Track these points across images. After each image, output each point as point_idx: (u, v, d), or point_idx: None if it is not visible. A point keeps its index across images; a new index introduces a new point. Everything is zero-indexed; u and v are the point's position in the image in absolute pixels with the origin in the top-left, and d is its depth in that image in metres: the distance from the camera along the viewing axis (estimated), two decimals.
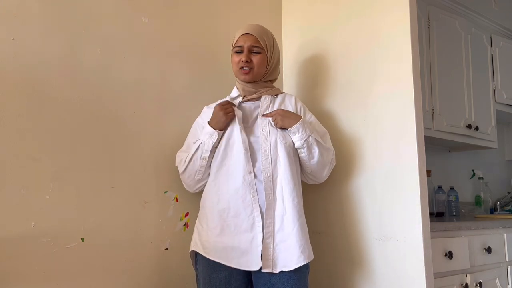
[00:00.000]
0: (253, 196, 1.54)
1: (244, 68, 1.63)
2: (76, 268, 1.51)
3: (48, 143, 1.49)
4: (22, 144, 1.44)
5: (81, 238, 1.53)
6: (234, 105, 1.63)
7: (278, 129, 1.60)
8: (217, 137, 1.58)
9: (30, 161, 1.45)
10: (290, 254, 1.51)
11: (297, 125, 1.58)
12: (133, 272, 1.63)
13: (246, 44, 1.63)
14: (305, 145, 1.59)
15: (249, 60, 1.63)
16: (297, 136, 1.59)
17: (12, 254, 1.39)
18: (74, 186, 1.53)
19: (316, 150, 1.61)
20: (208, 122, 1.62)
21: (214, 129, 1.59)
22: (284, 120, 1.59)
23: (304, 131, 1.59)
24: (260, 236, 1.51)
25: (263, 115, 1.63)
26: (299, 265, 1.50)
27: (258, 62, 1.64)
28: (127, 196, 1.64)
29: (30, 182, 1.44)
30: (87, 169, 1.56)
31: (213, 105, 1.72)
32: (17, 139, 1.44)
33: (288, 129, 1.59)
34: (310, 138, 1.60)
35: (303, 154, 1.61)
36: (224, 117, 1.58)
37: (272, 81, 1.75)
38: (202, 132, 1.63)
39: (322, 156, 1.62)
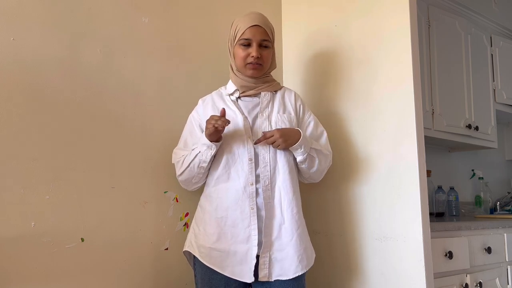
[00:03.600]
0: (252, 209, 1.50)
1: (254, 63, 1.55)
2: (76, 268, 1.51)
3: (48, 143, 1.49)
4: (22, 144, 1.44)
5: (81, 238, 1.53)
6: (228, 122, 1.46)
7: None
8: (216, 149, 1.50)
9: (30, 161, 1.45)
10: (287, 264, 1.50)
11: (299, 142, 1.52)
12: (133, 272, 1.63)
13: (256, 38, 1.54)
14: (306, 157, 1.56)
15: (259, 56, 1.55)
16: (299, 152, 1.54)
17: (12, 254, 1.39)
18: (74, 186, 1.53)
19: (316, 161, 1.59)
20: (205, 131, 1.51)
21: (211, 141, 1.49)
22: (287, 142, 1.50)
23: (305, 146, 1.54)
24: (255, 250, 1.49)
25: (256, 143, 1.52)
26: (296, 275, 1.49)
27: (267, 57, 1.58)
28: (127, 196, 1.64)
29: (30, 182, 1.44)
30: (87, 169, 1.56)
31: (207, 97, 1.67)
32: (17, 139, 1.44)
33: (290, 148, 1.54)
34: (311, 151, 1.56)
35: (304, 165, 1.58)
36: (215, 133, 1.46)
37: (270, 72, 1.68)
38: (199, 139, 1.55)
39: (321, 163, 1.61)
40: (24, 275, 1.41)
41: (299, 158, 1.55)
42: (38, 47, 1.50)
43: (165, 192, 1.74)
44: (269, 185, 1.52)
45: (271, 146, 1.54)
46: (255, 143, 1.53)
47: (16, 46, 1.46)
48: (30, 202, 1.44)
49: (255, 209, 1.50)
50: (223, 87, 1.69)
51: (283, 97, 1.66)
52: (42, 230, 1.45)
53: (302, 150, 1.53)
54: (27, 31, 1.49)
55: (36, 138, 1.47)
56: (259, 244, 1.50)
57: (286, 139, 1.50)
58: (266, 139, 1.51)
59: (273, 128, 1.56)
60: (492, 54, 2.84)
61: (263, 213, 1.50)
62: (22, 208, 1.42)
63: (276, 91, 1.66)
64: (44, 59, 1.51)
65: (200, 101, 1.68)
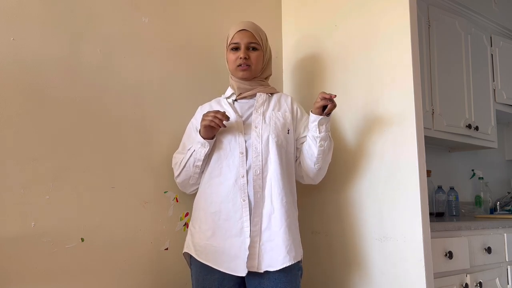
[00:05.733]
0: (244, 201, 1.52)
1: (242, 65, 1.61)
2: (76, 268, 1.51)
3: (48, 143, 1.49)
4: (22, 144, 1.44)
5: (81, 238, 1.53)
6: (227, 118, 1.52)
7: (271, 126, 1.58)
8: (209, 146, 1.55)
9: (30, 161, 1.45)
10: (276, 254, 1.50)
11: (329, 118, 1.58)
12: (133, 272, 1.63)
13: (243, 41, 1.62)
14: (327, 138, 1.59)
15: (247, 57, 1.61)
16: (324, 127, 1.57)
17: (12, 254, 1.39)
18: (74, 186, 1.53)
19: (332, 147, 1.63)
20: (199, 130, 1.58)
21: (204, 138, 1.54)
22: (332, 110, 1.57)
23: (328, 126, 1.59)
24: (247, 242, 1.50)
25: (325, 97, 1.54)
26: (284, 266, 1.48)
27: (256, 58, 1.63)
28: (127, 196, 1.64)
29: (30, 182, 1.44)
30: (87, 169, 1.56)
31: (206, 105, 1.72)
32: (17, 139, 1.44)
33: (321, 117, 1.56)
34: (329, 134, 1.61)
35: (324, 147, 1.59)
36: (210, 130, 1.53)
37: (267, 78, 1.74)
38: (194, 138, 1.60)
39: (330, 153, 1.65)
40: (24, 275, 1.41)
41: (322, 134, 1.57)
42: (38, 47, 1.50)
43: (165, 192, 1.74)
44: (260, 175, 1.54)
45: (263, 137, 1.56)
46: (324, 97, 1.54)
47: (16, 46, 1.46)
48: (30, 202, 1.44)
49: (247, 201, 1.52)
50: (222, 95, 1.73)
51: (279, 100, 1.70)
52: (42, 230, 1.45)
53: (326, 126, 1.58)
54: (27, 31, 1.49)
55: (36, 138, 1.47)
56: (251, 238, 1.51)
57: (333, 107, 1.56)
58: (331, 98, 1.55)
59: (267, 123, 1.59)
60: (492, 54, 2.84)
61: (253, 203, 1.52)
62: (22, 208, 1.42)
63: (272, 94, 1.71)
64: (44, 59, 1.51)
65: (198, 108, 1.73)
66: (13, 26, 1.46)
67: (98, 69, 1.62)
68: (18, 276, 1.40)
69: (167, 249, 1.72)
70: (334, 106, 1.56)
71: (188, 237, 1.61)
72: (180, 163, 1.62)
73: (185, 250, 1.61)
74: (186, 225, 1.77)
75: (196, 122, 1.67)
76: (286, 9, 2.21)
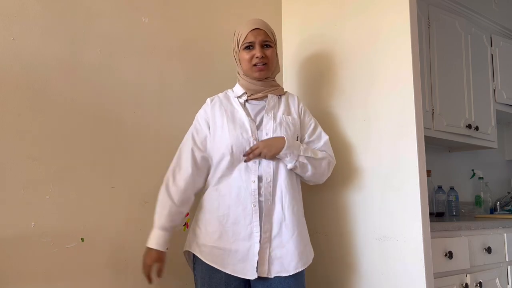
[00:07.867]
0: (254, 206, 1.52)
1: (259, 64, 1.58)
2: (76, 268, 1.51)
3: (48, 143, 1.49)
4: (22, 144, 1.44)
5: (81, 238, 1.53)
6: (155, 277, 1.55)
7: (282, 134, 1.56)
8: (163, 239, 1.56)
9: (30, 161, 1.45)
10: (288, 260, 1.50)
11: (284, 151, 1.52)
12: (133, 272, 1.63)
13: (257, 40, 1.58)
14: (297, 165, 1.56)
15: (264, 56, 1.58)
16: (287, 160, 1.55)
17: (12, 254, 1.40)
18: (74, 186, 1.53)
19: (309, 167, 1.58)
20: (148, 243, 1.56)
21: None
22: (271, 152, 1.51)
23: (292, 154, 1.54)
24: (257, 247, 1.50)
25: (245, 160, 1.52)
26: (297, 271, 1.50)
27: (272, 56, 1.60)
28: (127, 196, 1.64)
29: (30, 182, 1.44)
30: (87, 169, 1.56)
31: (215, 97, 1.67)
32: (17, 139, 1.44)
33: (278, 156, 1.55)
34: (301, 158, 1.56)
35: (297, 171, 1.58)
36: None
37: (275, 75, 1.71)
38: (202, 132, 1.60)
39: (316, 168, 1.60)
40: (24, 275, 1.41)
41: (288, 166, 1.56)
42: (38, 47, 1.51)
43: None
44: (271, 183, 1.53)
45: None
46: (245, 161, 1.53)
47: (16, 46, 1.46)
48: (30, 202, 1.44)
49: (257, 207, 1.52)
50: (229, 90, 1.69)
51: (287, 101, 1.69)
52: (42, 230, 1.45)
53: (289, 158, 1.54)
54: (27, 31, 1.49)
55: (36, 138, 1.47)
56: (260, 243, 1.51)
57: (270, 149, 1.52)
58: (252, 151, 1.52)
59: (278, 132, 1.57)
60: (492, 54, 2.83)
61: (263, 210, 1.52)
62: (22, 208, 1.42)
63: (280, 96, 1.69)
64: (44, 59, 1.51)
65: (208, 100, 1.67)
66: (13, 26, 1.46)
67: (98, 69, 1.63)
68: (18, 276, 1.40)
69: (167, 249, 1.72)
70: (256, 155, 1.52)
71: (191, 237, 1.60)
72: (156, 206, 1.58)
73: (187, 248, 1.60)
74: (186, 225, 1.77)
75: (204, 113, 1.63)
76: (286, 8, 2.21)
